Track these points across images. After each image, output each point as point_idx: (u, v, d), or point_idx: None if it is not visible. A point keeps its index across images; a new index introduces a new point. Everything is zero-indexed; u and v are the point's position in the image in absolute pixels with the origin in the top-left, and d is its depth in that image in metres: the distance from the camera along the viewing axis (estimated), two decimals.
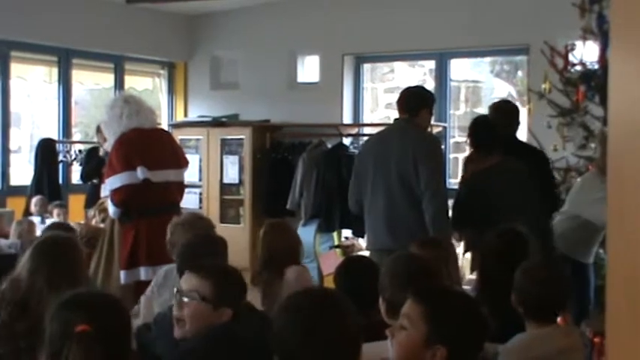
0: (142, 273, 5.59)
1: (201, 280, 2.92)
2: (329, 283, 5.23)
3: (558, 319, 3.35)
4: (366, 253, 5.47)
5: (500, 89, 10.55)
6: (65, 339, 2.18)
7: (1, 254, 6.26)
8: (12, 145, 9.57)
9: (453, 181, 8.66)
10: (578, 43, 6.52)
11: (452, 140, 9.65)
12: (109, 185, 5.78)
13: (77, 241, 3.39)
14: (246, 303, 3.07)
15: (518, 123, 5.73)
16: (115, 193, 5.73)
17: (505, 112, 5.68)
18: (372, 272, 3.49)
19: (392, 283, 3.16)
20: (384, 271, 3.28)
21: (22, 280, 3.12)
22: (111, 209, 5.80)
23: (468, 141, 5.42)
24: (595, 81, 6.28)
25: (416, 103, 5.28)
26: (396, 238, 4.97)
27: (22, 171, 9.68)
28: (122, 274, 5.69)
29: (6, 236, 7.12)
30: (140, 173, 5.69)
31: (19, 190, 9.12)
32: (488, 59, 10.26)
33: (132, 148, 5.76)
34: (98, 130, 7.27)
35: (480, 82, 10.56)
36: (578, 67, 6.48)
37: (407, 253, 3.85)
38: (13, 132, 9.63)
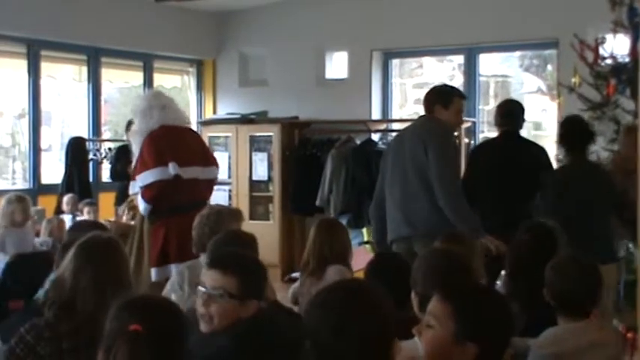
0: (173, 270, 5.60)
1: (227, 276, 2.87)
2: None
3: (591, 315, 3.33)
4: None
5: (529, 84, 10.46)
6: (118, 337, 2.23)
7: (35, 252, 6.32)
8: (43, 144, 9.64)
9: None
10: (609, 36, 6.47)
11: (481, 135, 9.58)
12: (140, 181, 5.80)
13: (120, 242, 3.36)
14: (274, 301, 3.05)
15: (523, 120, 5.81)
16: (147, 190, 5.75)
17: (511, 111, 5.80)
18: (403, 269, 3.47)
19: (425, 276, 3.14)
20: (417, 264, 3.26)
21: (65, 281, 3.10)
22: (141, 206, 5.82)
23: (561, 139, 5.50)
24: (626, 74, 6.24)
25: (429, 100, 5.33)
26: (413, 227, 5.02)
27: (52, 169, 9.74)
28: (153, 271, 5.72)
29: (37, 234, 7.20)
30: (172, 169, 5.71)
31: (50, 189, 9.19)
32: (517, 54, 10.17)
33: (163, 144, 5.79)
34: (128, 127, 7.30)
35: (509, 77, 10.47)
36: (609, 61, 6.43)
37: (442, 248, 3.85)
38: (44, 131, 9.69)
